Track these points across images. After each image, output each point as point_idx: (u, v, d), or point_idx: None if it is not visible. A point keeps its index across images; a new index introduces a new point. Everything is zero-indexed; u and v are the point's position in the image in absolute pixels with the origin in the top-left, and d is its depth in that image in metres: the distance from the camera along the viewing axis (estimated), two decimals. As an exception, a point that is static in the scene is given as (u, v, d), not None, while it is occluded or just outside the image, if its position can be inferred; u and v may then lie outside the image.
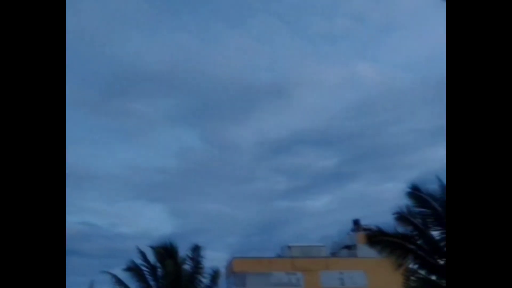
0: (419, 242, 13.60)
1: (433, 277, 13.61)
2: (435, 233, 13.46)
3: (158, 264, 19.68)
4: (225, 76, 55.80)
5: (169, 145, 67.54)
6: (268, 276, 33.69)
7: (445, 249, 13.26)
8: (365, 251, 27.05)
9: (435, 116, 54.09)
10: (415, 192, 13.61)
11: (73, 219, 45.05)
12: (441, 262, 13.32)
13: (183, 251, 19.77)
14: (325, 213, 57.05)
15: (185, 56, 60.45)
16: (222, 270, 37.42)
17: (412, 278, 13.82)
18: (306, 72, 59.13)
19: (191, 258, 19.83)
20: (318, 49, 60.93)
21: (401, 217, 13.56)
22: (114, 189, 67.75)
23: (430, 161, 50.23)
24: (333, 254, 36.53)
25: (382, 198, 52.18)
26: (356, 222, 37.16)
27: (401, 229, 13.72)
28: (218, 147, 60.09)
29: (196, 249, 19.89)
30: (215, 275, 20.05)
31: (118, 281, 19.40)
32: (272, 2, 60.63)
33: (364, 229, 33.32)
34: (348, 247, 36.20)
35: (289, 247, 35.74)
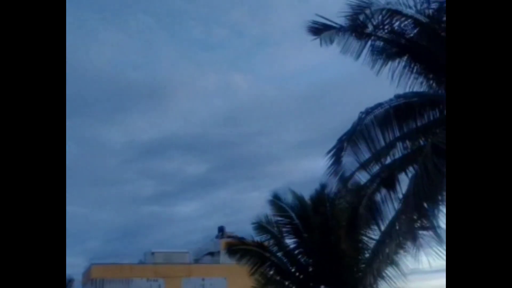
0: (275, 250, 14.37)
1: (287, 282, 14.50)
2: (290, 241, 14.39)
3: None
4: (96, 72, 53.07)
5: (28, 142, 61.98)
6: (128, 283, 32.68)
7: (298, 256, 14.30)
8: (228, 257, 27.65)
9: (299, 129, 57.56)
10: (275, 202, 14.56)
11: None
12: (293, 269, 14.31)
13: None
14: (193, 219, 57.12)
15: (53, 48, 56.39)
16: (79, 277, 35.54)
17: (268, 283, 14.57)
18: (181, 77, 58.93)
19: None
20: (194, 56, 61.14)
21: (260, 226, 14.37)
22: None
23: (293, 172, 53.15)
24: (196, 261, 36.68)
25: (247, 206, 53.87)
26: (221, 229, 37.78)
27: (259, 237, 14.50)
28: (82, 146, 56.73)
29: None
30: (67, 283, 18.93)
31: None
32: (151, 4, 59.43)
33: (228, 236, 34.07)
34: (211, 253, 36.62)
35: (152, 253, 35.10)
